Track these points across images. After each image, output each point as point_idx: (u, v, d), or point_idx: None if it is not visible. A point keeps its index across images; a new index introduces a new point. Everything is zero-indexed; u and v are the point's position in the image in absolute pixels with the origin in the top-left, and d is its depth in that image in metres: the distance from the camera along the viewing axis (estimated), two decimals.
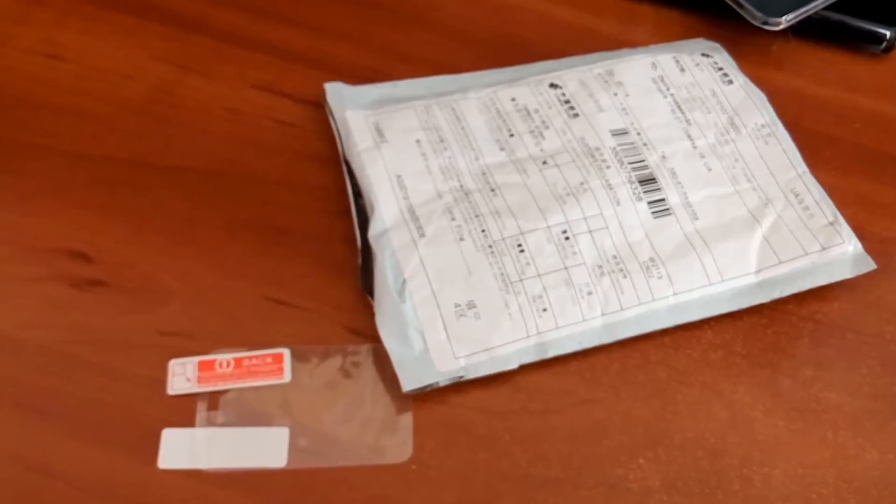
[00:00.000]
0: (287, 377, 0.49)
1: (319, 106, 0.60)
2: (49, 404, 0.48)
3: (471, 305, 0.50)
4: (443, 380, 0.48)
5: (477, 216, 0.53)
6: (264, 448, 0.47)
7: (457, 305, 0.50)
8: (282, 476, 0.46)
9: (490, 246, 0.52)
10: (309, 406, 0.48)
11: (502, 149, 0.56)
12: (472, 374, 0.48)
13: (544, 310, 0.50)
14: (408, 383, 0.48)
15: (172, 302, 0.52)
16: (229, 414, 0.48)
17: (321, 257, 0.54)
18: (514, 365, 0.49)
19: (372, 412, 0.48)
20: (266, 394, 0.49)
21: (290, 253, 0.54)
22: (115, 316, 0.51)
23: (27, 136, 0.59)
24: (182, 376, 0.49)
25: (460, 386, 0.49)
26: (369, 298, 0.51)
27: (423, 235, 0.52)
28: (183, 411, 0.48)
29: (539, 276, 0.51)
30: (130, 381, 0.49)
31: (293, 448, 0.47)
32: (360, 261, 0.53)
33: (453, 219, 0.53)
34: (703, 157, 0.56)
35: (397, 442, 0.47)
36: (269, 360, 0.50)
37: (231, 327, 0.51)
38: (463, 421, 0.48)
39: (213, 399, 0.49)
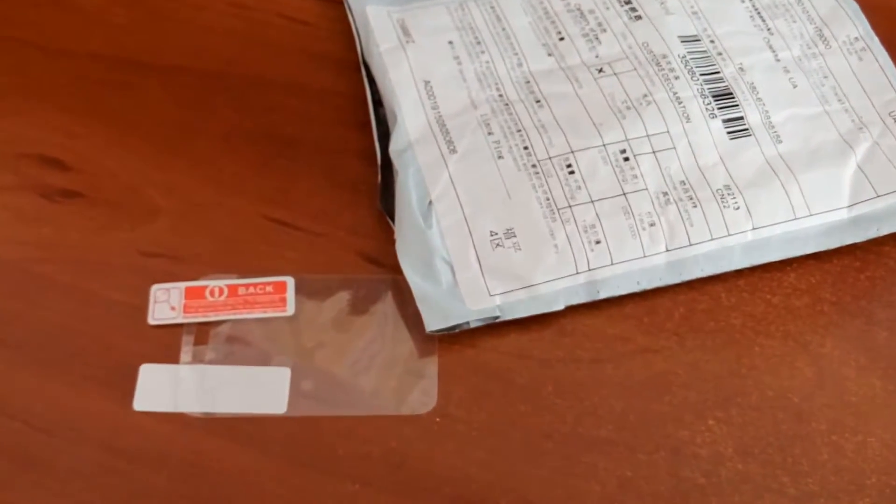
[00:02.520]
0: (290, 310, 0.42)
1: (336, 1, 0.52)
2: (9, 332, 0.41)
3: (509, 234, 0.42)
4: (474, 320, 0.40)
5: (519, 131, 0.45)
6: (261, 391, 0.40)
7: (493, 234, 0.42)
8: (281, 424, 0.39)
9: (534, 165, 0.43)
10: (315, 344, 0.41)
11: (550, 54, 0.48)
12: (509, 315, 0.41)
13: (597, 242, 0.42)
14: (433, 323, 0.40)
15: (159, 219, 0.44)
16: (220, 350, 0.41)
17: (334, 174, 0.46)
18: (559, 306, 0.41)
19: (390, 354, 0.41)
20: (265, 328, 0.41)
21: (298, 168, 0.46)
22: (92, 232, 0.44)
23: None
24: (166, 304, 0.41)
25: (495, 328, 0.41)
26: (389, 222, 0.44)
27: (454, 151, 0.44)
28: (165, 345, 0.41)
29: (592, 202, 0.43)
30: (106, 307, 0.42)
31: (295, 392, 0.40)
32: (379, 179, 0.45)
33: (490, 133, 0.45)
34: (787, 71, 0.48)
35: (419, 390, 0.40)
36: (269, 288, 0.42)
37: (226, 250, 0.43)
38: (497, 368, 0.41)
39: (202, 332, 0.41)
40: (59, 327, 0.41)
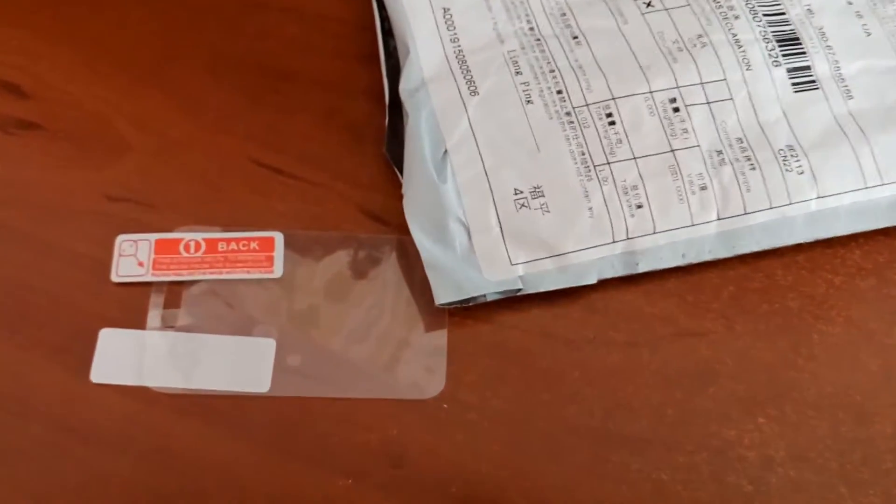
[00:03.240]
0: (278, 271, 0.36)
1: None
2: None
3: (536, 193, 0.36)
4: (492, 293, 0.35)
5: (552, 72, 0.38)
6: (241, 365, 0.34)
7: (517, 192, 0.36)
8: (263, 405, 0.33)
9: (568, 113, 0.37)
10: (306, 312, 0.35)
11: None
12: (532, 288, 0.35)
13: (639, 206, 0.36)
14: (443, 294, 0.34)
15: (128, 157, 0.38)
16: (194, 314, 0.35)
17: (334, 114, 0.40)
18: (592, 279, 0.35)
19: (392, 327, 0.35)
20: (247, 291, 0.35)
21: (293, 105, 0.40)
22: (52, 171, 0.38)
23: None
24: (133, 258, 0.36)
25: (515, 302, 0.35)
26: (396, 173, 0.37)
27: (474, 92, 0.38)
28: (130, 306, 0.35)
29: (634, 158, 0.36)
30: (64, 260, 0.36)
31: (280, 368, 0.34)
32: (386, 121, 0.39)
33: (519, 72, 0.38)
34: (860, 16, 0.41)
35: (424, 370, 0.34)
36: (254, 245, 0.36)
37: (205, 198, 0.37)
38: (516, 348, 0.35)
39: (173, 293, 0.35)
40: (9, 281, 0.35)
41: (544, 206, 0.36)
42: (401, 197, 0.37)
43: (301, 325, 0.35)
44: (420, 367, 0.34)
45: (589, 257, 0.35)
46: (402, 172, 0.37)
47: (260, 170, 0.38)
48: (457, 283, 0.34)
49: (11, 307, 0.35)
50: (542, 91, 0.38)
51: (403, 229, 0.36)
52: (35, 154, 0.38)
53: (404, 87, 0.38)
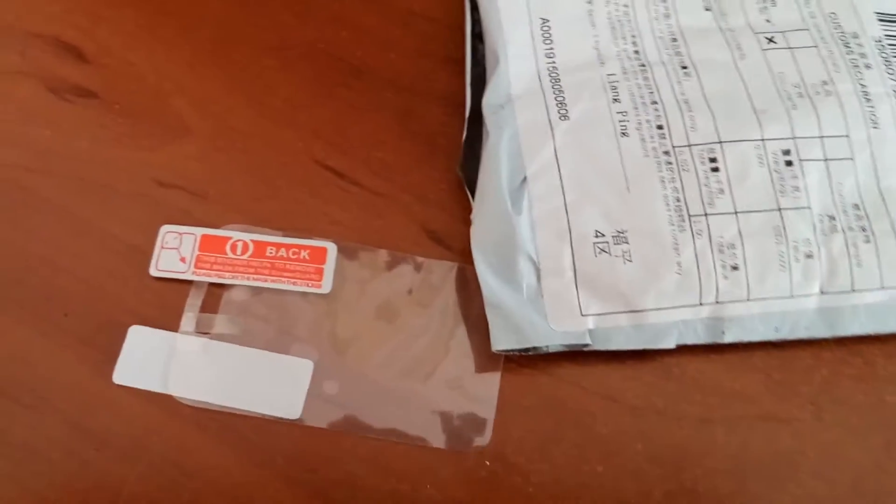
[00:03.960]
0: (326, 286, 0.33)
1: None
2: None
3: (620, 238, 0.32)
4: (556, 344, 0.31)
5: (654, 103, 0.34)
6: (273, 386, 0.31)
7: (598, 234, 0.32)
8: (290, 433, 0.31)
9: (667, 152, 0.33)
10: (350, 335, 0.32)
11: (708, 8, 0.37)
12: (602, 345, 0.31)
13: (734, 268, 0.32)
14: (502, 339, 0.31)
15: (185, 141, 0.36)
16: (231, 323, 0.32)
17: (409, 119, 0.36)
18: (670, 343, 0.32)
19: (441, 364, 0.32)
20: (291, 304, 0.33)
21: (364, 104, 0.37)
22: (102, 144, 0.35)
23: None
24: (175, 252, 0.33)
25: (580, 355, 0.32)
26: (468, 195, 0.34)
27: (565, 117, 0.34)
28: (166, 305, 0.32)
29: (736, 213, 0.32)
30: (100, 242, 0.33)
31: (315, 394, 0.31)
32: (464, 136, 0.35)
33: (616, 99, 0.34)
34: None
35: (471, 418, 0.31)
36: (305, 254, 0.33)
37: (260, 195, 0.34)
38: (576, 408, 0.31)
39: (213, 296, 0.33)
40: (37, 258, 0.33)
41: (627, 253, 0.32)
42: (469, 221, 0.33)
43: (343, 350, 0.32)
44: (466, 415, 0.31)
45: (670, 318, 0.32)
46: (473, 195, 0.34)
47: (322, 171, 0.35)
48: (518, 329, 0.31)
49: (37, 287, 0.32)
50: (640, 124, 0.34)
51: (467, 257, 0.33)
52: (88, 125, 0.36)
53: (488, 100, 0.35)
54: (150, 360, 0.31)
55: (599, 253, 0.32)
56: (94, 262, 0.33)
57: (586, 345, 0.31)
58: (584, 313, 0.31)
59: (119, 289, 0.32)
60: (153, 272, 0.33)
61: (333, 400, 0.31)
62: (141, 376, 0.31)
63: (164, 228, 0.33)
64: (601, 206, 0.32)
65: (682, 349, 0.32)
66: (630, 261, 0.32)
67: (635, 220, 0.32)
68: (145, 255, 0.33)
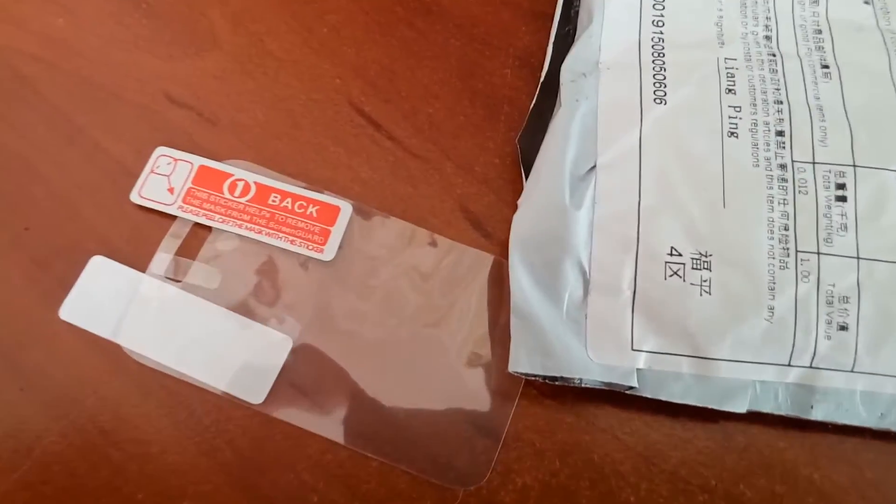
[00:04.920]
0: (329, 253, 0.27)
1: None
2: None
3: (701, 262, 0.25)
4: (592, 380, 0.24)
5: (778, 102, 0.27)
6: (239, 359, 0.26)
7: (673, 253, 0.25)
8: (247, 420, 0.25)
9: (783, 166, 0.26)
10: (346, 317, 0.26)
11: (868, 2, 0.29)
12: (651, 392, 0.24)
13: (842, 328, 0.24)
14: (523, 360, 0.24)
15: (209, 56, 0.30)
16: (209, 276, 0.27)
17: (471, 73, 0.30)
18: (740, 406, 0.24)
19: (446, 375, 0.26)
20: (284, 266, 0.27)
21: (425, 49, 0.30)
22: (116, 44, 0.30)
23: None
24: (164, 180, 0.28)
25: (619, 398, 0.25)
26: (521, 174, 0.28)
27: (661, 100, 0.27)
28: (139, 237, 0.27)
29: (858, 258, 0.25)
30: (85, 151, 0.29)
31: (287, 380, 0.25)
32: (532, 102, 0.29)
33: (731, 90, 0.27)
34: None
35: (468, 449, 0.25)
36: (313, 210, 0.27)
37: (278, 132, 0.29)
38: (603, 464, 0.25)
39: (196, 238, 0.27)
40: (19, 160, 0.28)
41: (706, 283, 0.25)
42: (514, 206, 0.27)
43: (332, 333, 0.26)
44: (463, 443, 0.25)
45: (746, 374, 0.24)
46: (527, 175, 0.27)
47: (355, 118, 0.29)
48: (547, 351, 0.24)
49: (5, 191, 0.28)
50: (755, 124, 0.27)
51: (503, 249, 0.26)
52: (106, 20, 0.31)
53: (570, 65, 0.28)
54: (105, 300, 0.26)
55: (671, 276, 0.25)
56: (74, 175, 0.28)
57: (631, 387, 0.24)
58: (635, 347, 0.25)
59: (92, 211, 0.28)
60: (134, 198, 0.27)
61: (307, 391, 0.25)
62: (91, 316, 0.26)
63: (159, 150, 0.28)
64: (684, 219, 0.25)
65: (754, 416, 0.24)
66: (708, 293, 0.25)
67: (725, 243, 0.25)
68: (132, 176, 0.28)
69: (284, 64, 0.30)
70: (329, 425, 0.25)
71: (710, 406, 0.24)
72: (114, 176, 0.28)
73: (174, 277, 0.27)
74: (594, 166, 0.26)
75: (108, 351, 0.26)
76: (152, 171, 0.28)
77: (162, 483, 0.24)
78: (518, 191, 0.27)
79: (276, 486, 0.24)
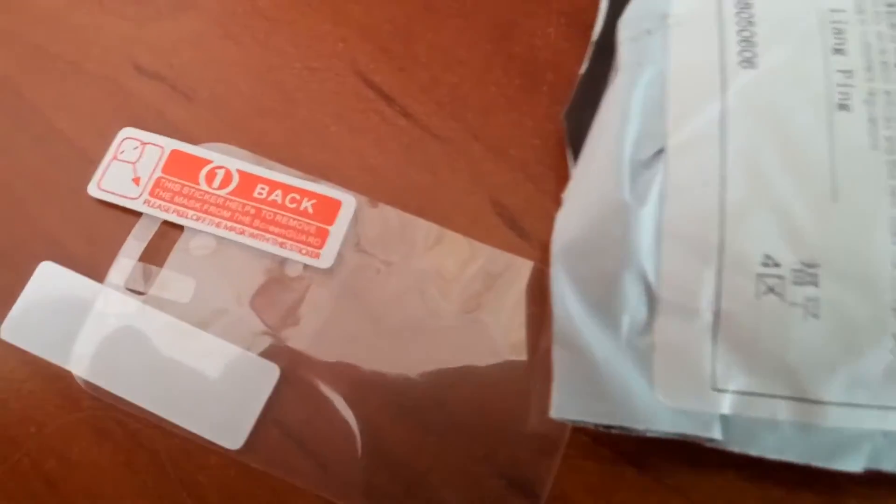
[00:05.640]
0: (327, 258, 0.22)
1: None
2: None
3: (806, 276, 0.19)
4: (659, 430, 0.19)
5: None
6: (216, 394, 0.21)
7: (768, 262, 0.19)
8: (222, 471, 0.20)
9: None
10: (346, 339, 0.21)
11: None
12: (741, 445, 0.19)
13: None
14: (567, 402, 0.19)
15: (186, 17, 0.25)
16: (179, 286, 0.22)
17: (507, 35, 0.24)
18: (855, 464, 0.19)
19: (469, 417, 0.20)
20: (272, 275, 0.22)
21: (447, 4, 0.25)
22: (78, 6, 0.25)
23: None
24: (129, 168, 0.23)
25: (697, 451, 0.19)
26: (568, 158, 0.22)
27: (748, 63, 0.21)
28: (98, 239, 0.22)
29: None
30: (39, 136, 0.24)
31: (271, 418, 0.20)
32: (583, 69, 0.23)
33: (839, 50, 0.21)
34: None
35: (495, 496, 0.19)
36: (308, 205, 0.22)
37: (266, 109, 0.24)
38: None
39: (165, 239, 0.22)
40: None
41: (812, 303, 0.19)
42: (560, 202, 0.21)
43: (331, 358, 0.21)
44: (493, 488, 0.19)
45: (864, 423, 0.19)
46: (575, 159, 0.22)
47: (363, 90, 0.24)
48: (599, 393, 0.19)
49: None
50: (872, 95, 0.20)
51: (548, 254, 0.21)
52: None
53: (630, 20, 0.22)
54: (54, 317, 0.21)
55: (765, 294, 0.19)
56: (23, 162, 0.23)
57: (711, 440, 0.19)
58: (717, 387, 0.19)
59: (41, 206, 0.23)
60: (93, 191, 0.23)
61: (298, 434, 0.20)
62: (37, 337, 0.21)
63: (125, 132, 0.23)
64: (783, 218, 0.19)
65: (874, 477, 0.19)
66: (815, 316, 0.19)
67: (837, 249, 0.19)
68: (91, 164, 0.23)
69: (277, 25, 0.25)
70: (322, 478, 0.20)
71: (815, 464, 0.19)
72: (69, 163, 0.23)
73: (137, 289, 0.22)
74: (662, 150, 0.20)
75: (57, 379, 0.21)
76: (115, 158, 0.23)
77: None
78: (563, 180, 0.21)
79: None
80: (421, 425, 0.20)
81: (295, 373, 0.21)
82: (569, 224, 0.20)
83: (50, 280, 0.22)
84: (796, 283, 0.19)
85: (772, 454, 0.19)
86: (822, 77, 0.21)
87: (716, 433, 0.19)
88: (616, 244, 0.19)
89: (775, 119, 0.20)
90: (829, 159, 0.20)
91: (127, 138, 0.23)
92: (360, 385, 0.20)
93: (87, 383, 0.21)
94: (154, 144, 0.23)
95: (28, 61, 0.24)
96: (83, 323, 0.21)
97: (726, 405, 0.19)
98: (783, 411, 0.19)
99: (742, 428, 0.19)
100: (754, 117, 0.20)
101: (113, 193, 0.22)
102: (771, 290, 0.19)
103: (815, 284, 0.19)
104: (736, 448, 0.19)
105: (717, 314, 0.19)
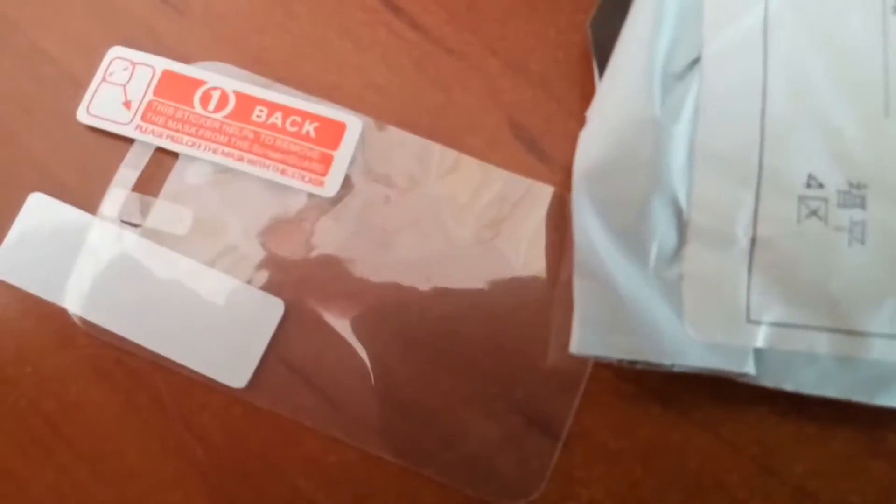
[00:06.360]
0: (332, 186, 0.20)
1: None
2: None
3: (852, 197, 0.17)
4: (690, 365, 0.17)
5: None
6: (217, 330, 0.20)
7: (812, 183, 0.18)
8: (225, 409, 0.19)
9: None
10: (354, 269, 0.20)
11: None
12: (775, 381, 0.17)
13: None
14: (589, 337, 0.18)
15: None
16: (175, 217, 0.20)
17: None
18: None
19: (488, 349, 0.19)
20: (272, 205, 0.20)
21: None
22: None
23: None
24: (119, 91, 0.21)
25: (728, 386, 0.18)
26: (593, 71, 0.20)
27: None
28: (89, 168, 0.21)
29: None
30: (25, 59, 0.22)
31: (278, 356, 0.19)
32: None
33: None
34: None
35: (515, 450, 0.18)
36: (310, 128, 0.21)
37: (267, 24, 0.22)
38: (700, 470, 0.18)
39: (159, 168, 0.21)
40: None
41: (858, 227, 0.17)
42: (582, 121, 0.19)
43: (337, 292, 0.20)
44: (511, 442, 0.18)
45: None
46: (601, 73, 0.20)
47: (370, 0, 0.22)
48: (623, 326, 0.17)
49: None
50: None
51: (567, 178, 0.19)
52: None
53: None
54: (46, 251, 0.20)
55: (807, 217, 0.17)
56: (9, 87, 0.22)
57: (744, 374, 0.17)
58: (752, 318, 0.17)
59: (29, 134, 0.21)
60: (82, 116, 0.21)
61: (304, 371, 0.19)
62: (28, 272, 0.20)
63: (114, 51, 0.22)
64: (829, 135, 0.18)
65: None
66: (861, 241, 0.17)
67: (888, 169, 0.17)
68: (79, 88, 0.21)
69: None
70: (332, 417, 0.19)
71: (856, 399, 0.17)
72: (55, 86, 0.22)
73: (132, 221, 0.20)
74: (697, 59, 0.18)
75: (52, 317, 0.20)
76: (104, 80, 0.21)
77: (118, 490, 0.19)
78: (588, 97, 0.20)
79: (262, 496, 0.19)
80: (434, 360, 0.19)
81: (301, 307, 0.20)
82: (593, 144, 0.19)
83: (39, 212, 0.20)
84: (841, 206, 0.17)
85: (809, 389, 0.17)
86: None
87: (749, 368, 0.17)
88: (645, 165, 0.18)
89: (823, 25, 0.18)
90: (883, 70, 0.18)
91: (116, 58, 0.21)
92: (369, 319, 0.19)
93: (83, 321, 0.20)
94: (145, 64, 0.21)
95: None
96: (77, 257, 0.20)
97: (761, 338, 0.17)
98: (823, 344, 0.17)
99: (777, 362, 0.17)
100: (800, 23, 0.18)
101: (103, 118, 0.21)
102: (814, 213, 0.17)
103: (863, 207, 0.17)
104: (770, 383, 0.17)
105: (753, 240, 0.17)
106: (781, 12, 0.18)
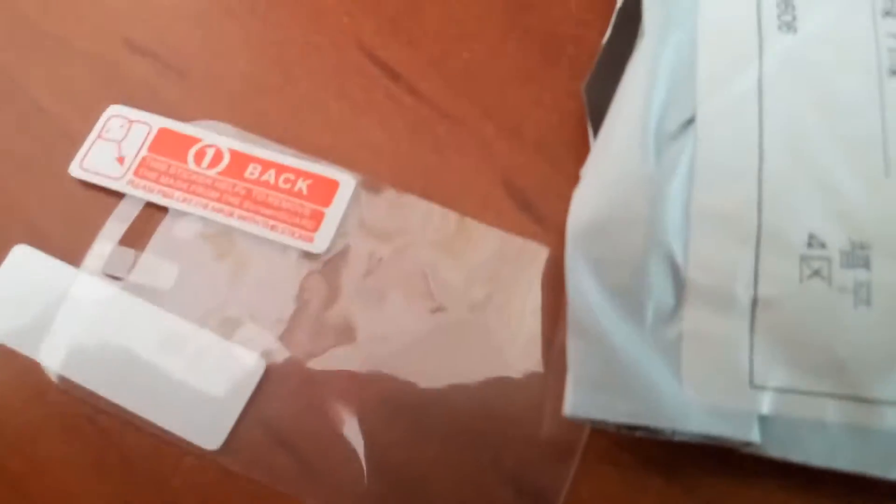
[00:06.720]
0: (322, 243, 0.20)
1: None
2: None
3: (855, 259, 0.17)
4: (690, 432, 0.16)
5: None
6: (195, 388, 0.19)
7: (813, 243, 0.17)
8: (200, 473, 0.18)
9: None
10: (342, 328, 0.19)
11: None
12: (782, 451, 0.16)
13: None
14: (583, 399, 0.17)
15: None
16: (160, 272, 0.20)
17: (520, 4, 0.23)
18: None
19: (483, 410, 0.18)
20: (261, 260, 0.20)
21: None
22: None
23: None
24: (113, 147, 0.21)
25: (732, 456, 0.17)
26: (588, 131, 0.20)
27: (789, 27, 0.19)
28: (78, 222, 0.21)
29: None
30: (23, 113, 0.22)
31: (255, 417, 0.18)
32: (606, 36, 0.21)
33: (889, 13, 0.19)
34: None
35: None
36: (303, 185, 0.20)
37: (265, 87, 0.22)
38: None
39: (148, 222, 0.20)
40: None
41: (864, 288, 0.17)
42: (576, 178, 0.19)
43: (323, 352, 0.19)
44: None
45: None
46: (595, 134, 0.20)
47: (367, 66, 0.22)
48: (619, 388, 0.16)
49: None
50: None
51: (560, 237, 0.19)
52: None
53: None
54: (25, 304, 0.20)
55: (810, 277, 0.17)
56: (5, 143, 0.22)
57: (749, 443, 0.16)
58: (756, 383, 0.16)
59: (19, 186, 0.21)
60: (74, 171, 0.21)
61: (283, 434, 0.18)
62: (6, 325, 0.20)
63: (112, 109, 0.22)
64: (829, 194, 0.17)
65: None
66: (867, 302, 0.16)
67: (892, 228, 0.17)
68: (75, 143, 0.21)
69: (276, 1, 0.23)
70: (311, 483, 0.18)
71: (869, 473, 0.16)
72: (51, 143, 0.22)
73: (116, 274, 0.20)
74: (691, 119, 0.18)
75: (25, 371, 0.19)
76: (100, 136, 0.21)
77: None
78: (582, 160, 0.19)
79: None
80: (421, 426, 0.18)
81: (284, 367, 0.19)
82: (587, 201, 0.18)
83: (23, 264, 0.20)
84: (845, 266, 0.17)
85: (818, 461, 0.16)
86: (871, 41, 0.19)
87: (753, 436, 0.16)
88: (640, 223, 0.17)
89: (820, 86, 0.18)
90: (881, 130, 0.18)
91: (114, 116, 0.22)
92: (355, 382, 0.19)
93: (58, 376, 0.19)
94: (141, 122, 0.21)
95: (16, 38, 0.23)
96: (57, 311, 0.19)
97: (766, 404, 0.16)
98: (832, 412, 0.16)
99: (784, 430, 0.16)
100: (796, 84, 0.18)
101: (95, 173, 0.21)
102: (816, 273, 0.17)
103: (867, 267, 0.17)
104: (776, 454, 0.16)
105: (755, 300, 0.17)
106: (776, 75, 0.18)
